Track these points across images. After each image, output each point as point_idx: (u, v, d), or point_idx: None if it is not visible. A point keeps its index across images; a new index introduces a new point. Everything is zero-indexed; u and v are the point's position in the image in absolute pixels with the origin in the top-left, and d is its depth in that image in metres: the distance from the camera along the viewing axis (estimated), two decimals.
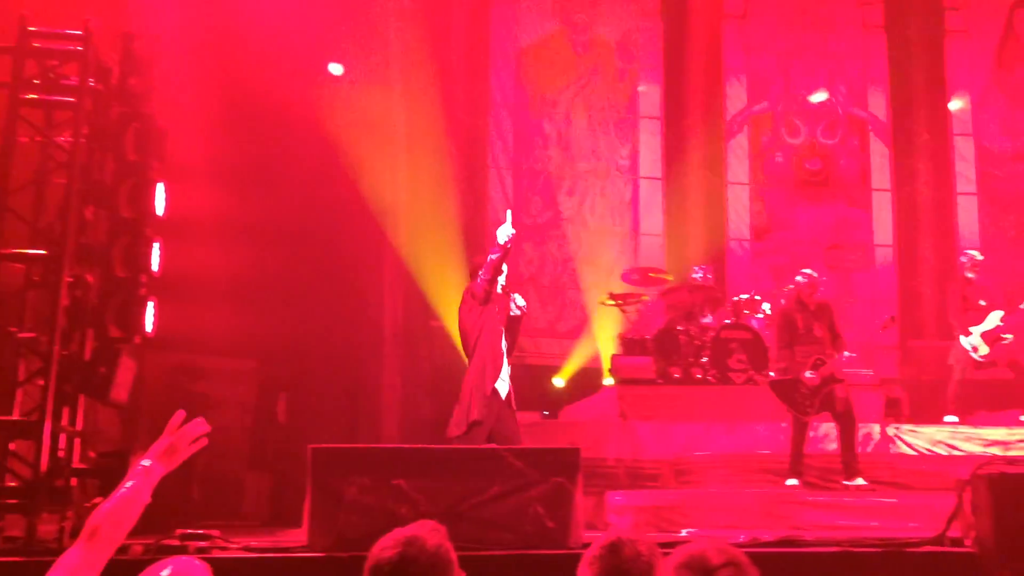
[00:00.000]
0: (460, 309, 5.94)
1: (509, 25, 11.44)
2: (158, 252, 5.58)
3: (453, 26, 11.03)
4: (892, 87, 11.81)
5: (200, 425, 2.37)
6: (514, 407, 5.89)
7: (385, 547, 1.90)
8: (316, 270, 9.47)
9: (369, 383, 9.96)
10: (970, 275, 8.33)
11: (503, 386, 5.72)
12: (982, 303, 8.18)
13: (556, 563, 4.01)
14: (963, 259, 8.65)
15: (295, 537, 4.41)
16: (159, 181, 5.71)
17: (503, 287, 5.95)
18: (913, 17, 11.82)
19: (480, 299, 5.73)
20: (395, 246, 10.29)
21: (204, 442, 2.40)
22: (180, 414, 2.38)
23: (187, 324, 7.71)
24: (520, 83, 11.43)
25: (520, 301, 6.02)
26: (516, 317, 6.01)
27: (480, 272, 5.85)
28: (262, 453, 9.55)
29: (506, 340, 5.89)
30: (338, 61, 10.30)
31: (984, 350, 8.10)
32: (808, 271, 7.49)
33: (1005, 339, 8.08)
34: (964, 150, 11.74)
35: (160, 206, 5.68)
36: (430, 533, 1.94)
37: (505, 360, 5.78)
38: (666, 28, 11.75)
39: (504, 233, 5.70)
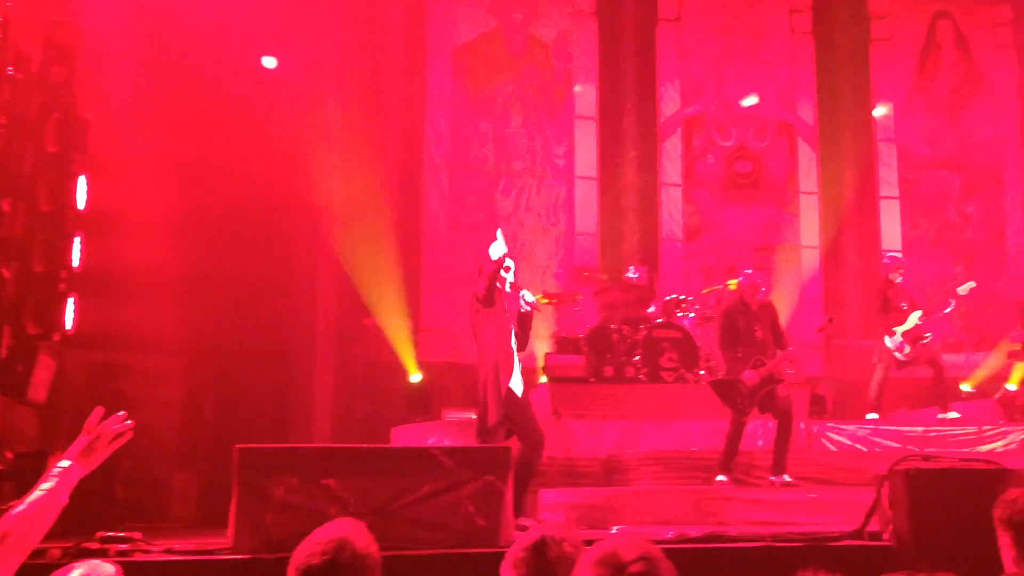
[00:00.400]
0: (469, 311, 5.90)
1: (446, 22, 11.41)
2: (79, 247, 5.41)
3: (389, 22, 10.96)
4: (819, 93, 12.12)
5: (120, 420, 2.30)
6: (530, 402, 5.91)
7: (313, 552, 1.87)
8: (247, 266, 9.32)
9: (301, 381, 9.85)
10: (895, 277, 8.59)
11: (518, 384, 5.68)
12: (904, 304, 8.45)
13: (487, 561, 4.01)
14: (887, 261, 8.91)
15: (221, 539, 4.32)
16: (81, 174, 5.54)
17: (512, 284, 5.93)
18: (840, 25, 12.15)
19: (484, 302, 5.68)
20: (329, 243, 10.20)
21: (126, 439, 2.33)
22: (99, 411, 2.31)
23: (111, 321, 7.53)
24: (456, 81, 11.41)
25: (529, 297, 6.00)
26: (526, 314, 5.99)
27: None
28: (190, 453, 9.37)
29: (517, 338, 5.85)
30: (272, 55, 10.15)
31: (906, 349, 8.36)
32: (750, 271, 7.61)
33: (925, 338, 8.35)
34: (887, 155, 12.12)
35: (82, 199, 5.51)
36: (357, 536, 1.91)
37: (516, 358, 5.73)
38: (601, 29, 11.86)
39: (496, 251, 5.66)
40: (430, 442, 7.61)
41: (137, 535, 4.17)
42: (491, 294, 5.65)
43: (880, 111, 12.21)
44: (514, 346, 5.76)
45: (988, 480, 5.01)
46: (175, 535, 5.67)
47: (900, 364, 8.48)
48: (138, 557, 4.01)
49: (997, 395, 8.96)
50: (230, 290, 9.15)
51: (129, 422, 2.33)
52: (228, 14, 9.18)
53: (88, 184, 5.74)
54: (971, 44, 12.46)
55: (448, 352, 10.92)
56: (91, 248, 5.91)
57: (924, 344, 8.36)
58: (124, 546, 4.04)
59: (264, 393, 9.32)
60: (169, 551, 4.12)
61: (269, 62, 10.19)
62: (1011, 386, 9.17)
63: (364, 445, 4.54)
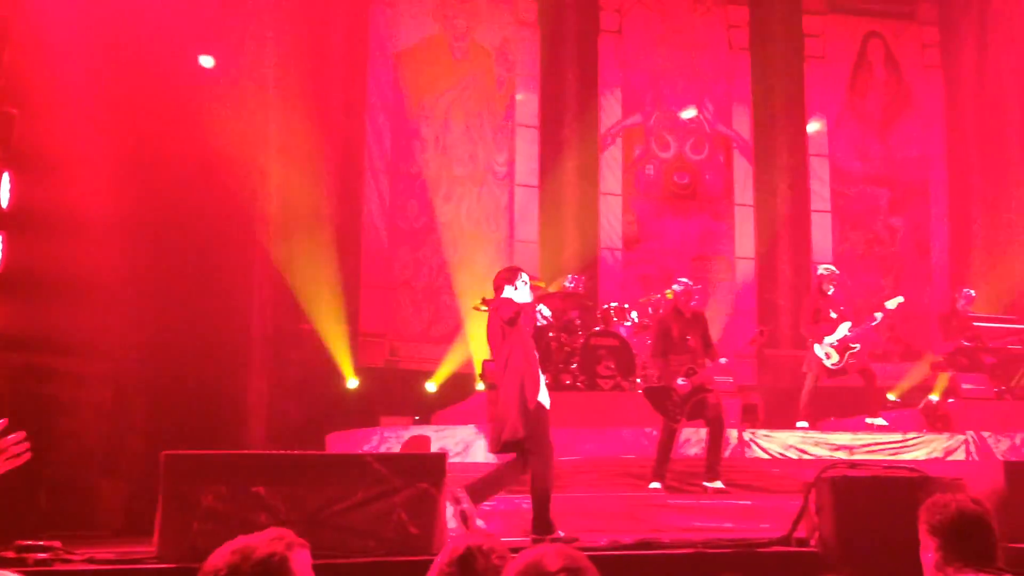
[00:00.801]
0: (488, 325, 5.84)
1: (388, 26, 11.36)
2: (1, 245, 5.23)
3: (330, 25, 10.86)
4: (755, 107, 12.39)
5: (17, 441, 2.22)
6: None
7: (215, 558, 1.84)
8: (181, 268, 9.12)
9: (235, 387, 9.66)
10: (827, 288, 8.79)
11: (545, 399, 5.66)
12: (833, 315, 8.65)
13: (418, 570, 3.98)
14: (822, 272, 9.11)
15: (146, 548, 4.22)
16: (4, 170, 5.36)
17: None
18: (775, 42, 12.44)
19: (506, 320, 5.66)
20: (265, 246, 10.04)
21: (21, 461, 2.25)
22: (2, 423, 2.23)
23: (36, 322, 7.30)
24: (398, 86, 11.36)
25: (546, 311, 5.91)
26: (542, 327, 5.90)
27: (520, 283, 5.87)
28: (118, 459, 9.11)
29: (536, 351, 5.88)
30: (209, 53, 9.97)
31: (835, 358, 8.56)
32: (685, 280, 7.72)
33: (853, 348, 8.57)
34: (819, 170, 12.44)
35: (5, 196, 5.34)
36: (266, 542, 1.88)
37: (540, 374, 5.73)
38: (543, 38, 11.94)
39: (522, 296, 5.76)
40: (365, 449, 7.54)
41: (57, 544, 4.04)
42: (518, 317, 5.65)
43: (813, 126, 12.52)
44: (537, 360, 5.77)
45: (911, 487, 5.16)
46: (100, 544, 5.52)
47: (830, 373, 8.68)
48: (58, 567, 3.89)
49: (921, 405, 9.22)
50: (163, 292, 8.94)
51: (26, 443, 2.24)
52: (164, 9, 9.00)
53: (13, 181, 5.56)
54: (900, 64, 12.87)
55: (386, 358, 10.87)
56: (15, 247, 5.73)
57: (853, 354, 8.57)
58: (43, 555, 3.92)
59: (196, 398, 9.11)
60: (91, 560, 4.01)
61: (206, 61, 10.00)
62: (934, 396, 9.45)
63: (295, 452, 4.46)
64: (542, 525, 5.49)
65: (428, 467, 4.39)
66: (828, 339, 8.56)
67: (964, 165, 12.48)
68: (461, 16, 11.71)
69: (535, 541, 5.39)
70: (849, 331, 8.52)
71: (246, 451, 4.32)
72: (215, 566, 1.82)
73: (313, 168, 10.21)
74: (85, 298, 8.09)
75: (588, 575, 1.75)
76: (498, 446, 5.59)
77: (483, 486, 5.58)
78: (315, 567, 3.77)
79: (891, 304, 8.67)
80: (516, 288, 5.78)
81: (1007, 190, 11.86)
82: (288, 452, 4.41)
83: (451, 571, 1.96)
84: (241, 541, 1.87)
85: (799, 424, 8.69)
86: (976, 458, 8.37)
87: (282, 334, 10.05)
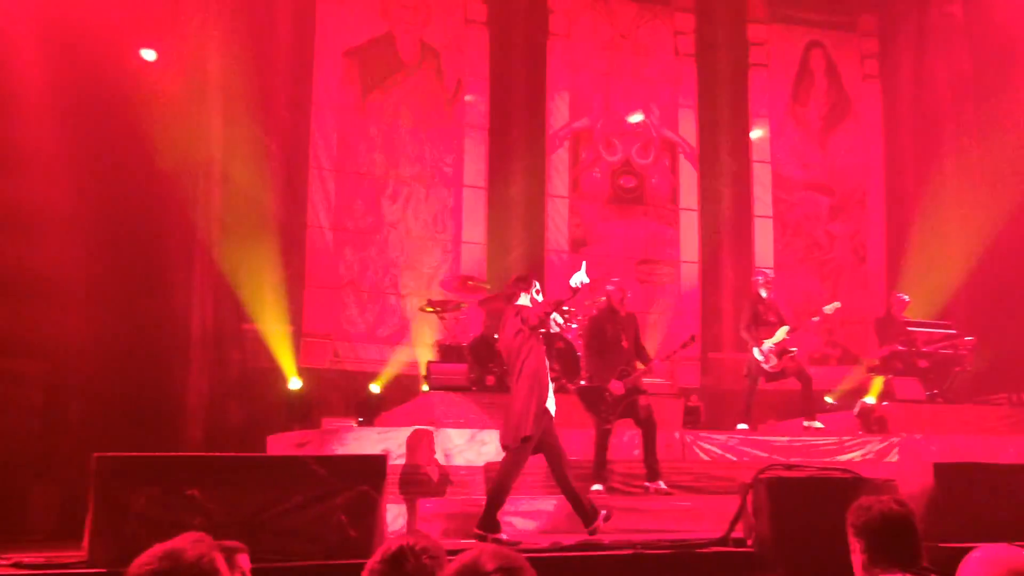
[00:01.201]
0: (505, 329, 6.04)
1: (336, 24, 11.24)
2: None
3: (277, 21, 10.72)
4: (700, 113, 12.55)
5: None
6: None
7: (142, 563, 1.81)
8: (119, 267, 8.94)
9: (173, 388, 9.49)
10: (763, 292, 8.95)
11: (551, 404, 5.93)
12: (773, 319, 8.81)
13: (358, 573, 3.95)
14: (758, 277, 9.28)
15: (77, 552, 4.11)
16: None
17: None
18: (720, 49, 12.62)
19: (533, 326, 5.87)
20: (207, 245, 9.88)
21: None
22: None
23: None
24: (346, 84, 11.26)
25: (559, 320, 6.27)
26: (555, 334, 6.29)
27: (534, 293, 6.11)
28: (51, 462, 8.88)
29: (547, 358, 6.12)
30: (151, 47, 9.78)
31: (773, 361, 8.71)
32: (616, 279, 7.78)
33: (791, 351, 8.73)
34: (762, 176, 12.66)
35: None
36: (192, 544, 1.85)
37: (550, 378, 6.01)
38: (492, 40, 11.94)
39: (578, 280, 5.92)
40: (305, 450, 7.45)
41: None
42: (548, 319, 5.90)
43: (757, 133, 12.74)
44: (547, 366, 6.00)
45: (844, 488, 5.27)
46: (30, 548, 5.37)
47: (769, 376, 8.82)
48: None
49: (856, 408, 9.42)
50: (100, 290, 8.75)
51: None
52: (106, 0, 8.81)
53: None
54: (841, 73, 13.16)
55: (330, 359, 10.76)
56: None
57: (790, 357, 8.73)
58: None
59: (133, 399, 8.91)
60: (18, 565, 3.90)
61: (148, 55, 9.81)
62: (869, 399, 9.66)
63: (232, 453, 4.39)
64: (488, 522, 5.61)
65: (368, 469, 4.35)
66: (766, 343, 8.71)
67: (901, 174, 12.81)
68: (410, 15, 11.65)
69: (478, 538, 5.50)
70: (787, 335, 8.68)
71: (180, 453, 4.22)
72: (139, 573, 1.78)
73: (257, 166, 10.06)
74: (19, 296, 7.89)
75: (524, 575, 1.76)
76: (516, 443, 5.81)
77: (497, 491, 5.82)
78: (254, 571, 3.71)
79: (828, 309, 8.86)
80: (532, 296, 6.05)
81: (941, 199, 12.20)
82: (224, 453, 4.34)
83: (382, 569, 1.96)
84: (164, 547, 1.84)
85: (739, 426, 8.83)
86: (908, 460, 8.59)
87: (223, 334, 9.89)
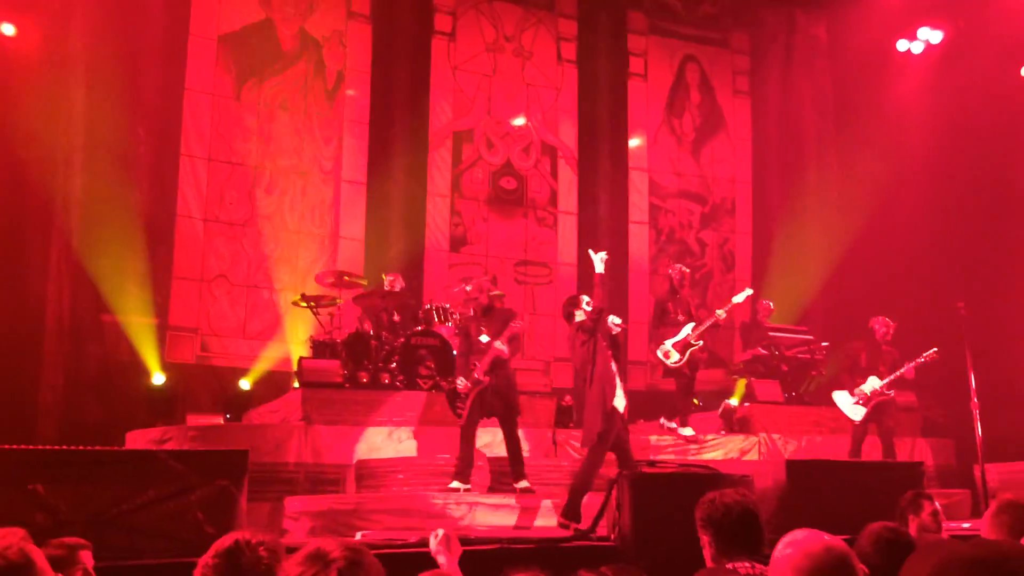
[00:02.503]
0: (574, 346, 6.76)
1: (211, 7, 10.86)
2: None
3: (148, 2, 10.25)
4: (580, 119, 12.79)
5: None
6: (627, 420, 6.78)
7: None
8: None
9: (25, 382, 8.96)
10: (677, 289, 9.04)
11: (620, 403, 6.53)
12: (681, 317, 8.92)
13: None
14: (671, 272, 9.32)
15: None
16: None
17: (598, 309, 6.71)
18: (601, 57, 12.90)
19: (590, 331, 6.54)
20: (66, 232, 9.38)
21: None
22: None
23: None
24: (220, 71, 10.88)
25: (616, 320, 6.82)
26: (616, 335, 6.80)
27: (584, 307, 6.75)
28: None
29: (614, 359, 6.67)
30: (9, 20, 9.23)
31: (675, 357, 8.78)
32: (475, 279, 7.77)
33: (695, 346, 8.80)
34: (639, 183, 13.01)
35: None
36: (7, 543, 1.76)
37: (618, 378, 6.59)
38: (375, 35, 11.81)
39: (600, 262, 6.77)
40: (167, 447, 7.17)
41: None
42: (600, 319, 6.58)
43: (634, 141, 13.08)
44: (615, 368, 6.60)
45: (704, 484, 5.47)
46: None
47: (668, 371, 8.97)
48: None
49: (720, 408, 9.78)
50: None
51: None
52: None
53: None
54: (715, 87, 13.67)
55: (198, 354, 10.39)
56: None
57: (695, 351, 8.81)
58: None
59: None
60: None
61: (7, 29, 9.25)
62: (733, 401, 10.05)
63: (80, 447, 4.17)
64: (572, 512, 6.18)
65: (229, 464, 4.23)
66: (668, 340, 8.82)
67: (767, 186, 13.41)
68: (291, 4, 11.39)
69: (562, 526, 6.08)
70: (692, 331, 8.79)
71: (23, 446, 3.98)
72: None
73: (124, 151, 9.62)
74: None
75: (367, 560, 1.76)
76: (590, 442, 6.44)
77: (580, 484, 6.36)
78: (100, 570, 3.55)
79: (738, 298, 9.09)
80: (583, 308, 6.73)
81: (802, 213, 12.84)
82: (71, 447, 4.12)
83: (216, 563, 1.92)
84: None
85: (666, 423, 8.99)
86: (765, 458, 9.01)
87: (81, 326, 9.40)
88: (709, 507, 3.11)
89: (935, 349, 8.58)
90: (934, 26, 11.91)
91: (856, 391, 8.87)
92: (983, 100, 10.76)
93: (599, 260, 6.78)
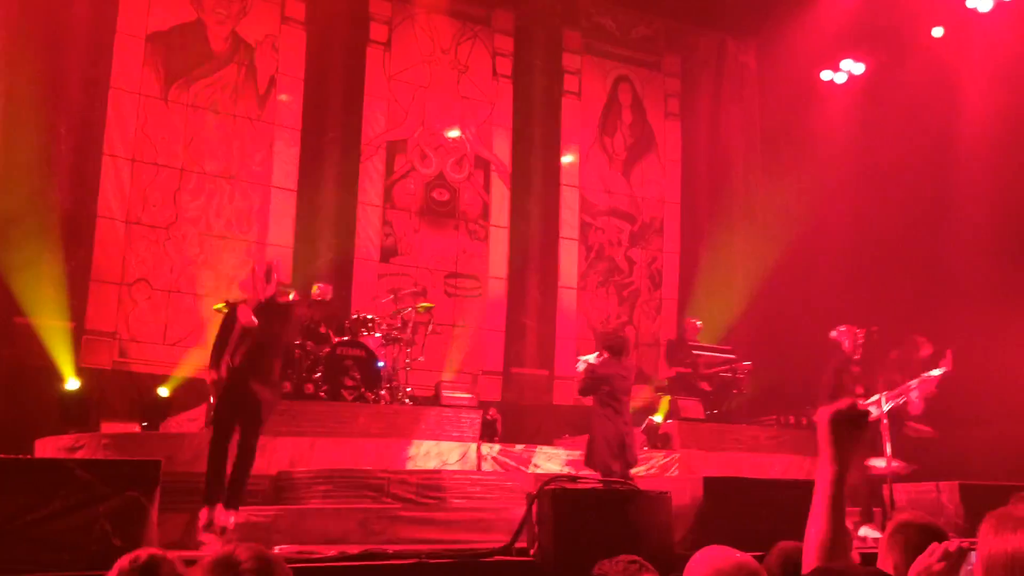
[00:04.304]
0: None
1: (139, 4, 10.60)
2: None
3: None
4: (514, 134, 12.84)
5: None
6: None
7: None
8: None
9: None
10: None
11: None
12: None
13: None
14: None
15: None
16: None
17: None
18: (536, 74, 12.98)
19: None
20: None
21: None
22: None
23: None
24: (148, 70, 10.61)
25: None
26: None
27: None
28: None
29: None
30: None
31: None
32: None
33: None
34: (570, 199, 13.12)
35: None
36: None
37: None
38: (309, 41, 11.68)
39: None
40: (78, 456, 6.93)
41: None
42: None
43: (567, 158, 13.20)
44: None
45: (623, 499, 5.53)
46: None
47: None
48: None
49: (643, 424, 9.89)
50: None
51: None
52: None
53: None
54: (647, 109, 13.90)
55: (115, 359, 10.09)
56: None
57: None
58: None
59: None
60: None
61: None
62: (657, 417, 10.18)
63: None
64: None
65: (140, 474, 4.11)
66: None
67: (695, 208, 13.67)
68: (223, 6, 11.19)
69: None
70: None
71: None
72: None
73: (41, 147, 9.31)
74: None
75: (277, 567, 1.73)
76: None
77: None
78: None
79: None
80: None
81: (729, 232, 13.13)
82: None
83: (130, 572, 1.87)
84: None
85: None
86: (685, 474, 9.14)
87: None
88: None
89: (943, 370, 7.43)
90: (856, 58, 12.35)
91: None
92: (904, 129, 11.17)
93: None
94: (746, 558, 2.06)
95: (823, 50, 12.27)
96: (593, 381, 7.57)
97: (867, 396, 7.46)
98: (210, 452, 5.97)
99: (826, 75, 12.61)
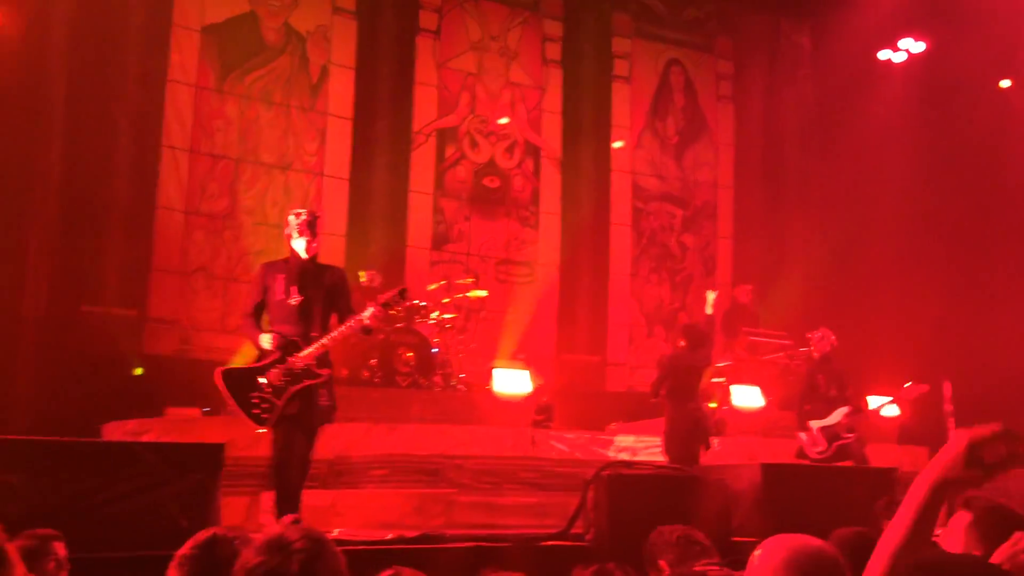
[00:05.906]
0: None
1: None
2: None
3: None
4: (564, 120, 12.79)
5: None
6: None
7: None
8: None
9: (1, 371, 8.85)
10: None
11: None
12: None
13: None
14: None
15: None
16: None
17: None
18: (586, 59, 12.91)
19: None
20: (45, 222, 9.28)
21: None
22: None
23: None
24: (204, 62, 10.79)
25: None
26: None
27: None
28: None
29: None
30: None
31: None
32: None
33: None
34: (621, 185, 13.04)
35: None
36: None
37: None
38: (360, 30, 11.77)
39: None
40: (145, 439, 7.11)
41: None
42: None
43: (618, 144, 13.11)
44: None
45: (677, 485, 5.51)
46: None
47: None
48: None
49: None
50: None
51: None
52: None
53: None
54: (698, 91, 13.73)
55: (177, 346, 10.32)
56: None
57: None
58: None
59: None
60: None
61: None
62: (712, 404, 10.10)
63: (55, 438, 4.14)
64: None
65: (204, 457, 4.21)
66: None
67: (749, 192, 13.49)
68: None
69: None
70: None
71: None
72: None
73: (103, 140, 9.53)
74: None
75: (327, 549, 1.75)
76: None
77: None
78: (73, 561, 3.52)
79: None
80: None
81: (784, 219, 12.94)
82: (44, 437, 4.08)
83: (192, 554, 1.93)
84: None
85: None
86: (741, 460, 9.04)
87: (58, 316, 9.29)
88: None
89: (910, 383, 7.81)
90: (916, 37, 12.03)
91: (813, 424, 7.95)
92: (964, 110, 10.89)
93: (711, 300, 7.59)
94: (828, 546, 2.00)
95: (880, 28, 11.98)
96: (663, 376, 7.64)
97: (841, 396, 7.93)
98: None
99: (883, 54, 12.31)
